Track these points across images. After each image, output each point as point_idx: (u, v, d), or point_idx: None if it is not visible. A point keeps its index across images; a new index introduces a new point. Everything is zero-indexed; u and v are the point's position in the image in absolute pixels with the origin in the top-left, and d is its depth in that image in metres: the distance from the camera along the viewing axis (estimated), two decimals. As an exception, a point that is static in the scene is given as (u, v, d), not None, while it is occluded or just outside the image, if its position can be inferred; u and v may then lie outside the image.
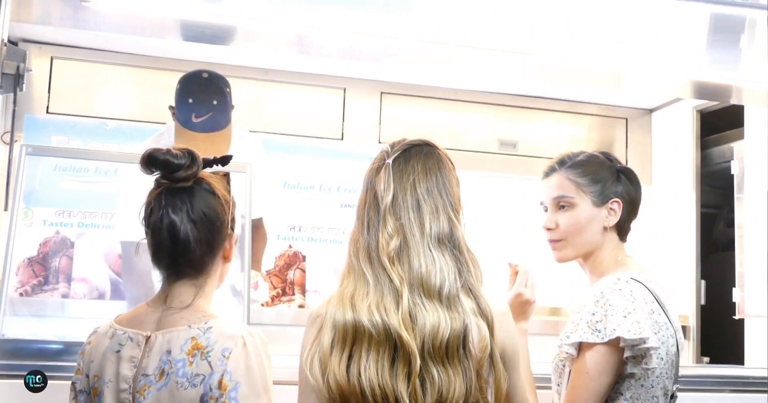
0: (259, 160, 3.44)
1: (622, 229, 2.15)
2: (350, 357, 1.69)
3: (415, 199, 1.79)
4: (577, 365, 1.98)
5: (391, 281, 1.73)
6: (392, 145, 1.86)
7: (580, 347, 1.98)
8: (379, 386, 1.67)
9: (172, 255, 1.78)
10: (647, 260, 2.29)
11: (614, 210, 2.12)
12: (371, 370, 1.68)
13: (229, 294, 2.96)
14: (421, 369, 1.68)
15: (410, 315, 1.70)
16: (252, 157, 3.37)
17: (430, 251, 1.76)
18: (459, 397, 1.69)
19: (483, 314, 1.75)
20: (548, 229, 2.16)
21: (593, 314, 1.97)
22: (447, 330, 1.70)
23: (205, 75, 3.17)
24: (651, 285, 2.03)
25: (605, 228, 2.12)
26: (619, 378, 1.98)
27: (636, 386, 1.98)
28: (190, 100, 3.08)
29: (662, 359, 1.98)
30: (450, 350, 1.70)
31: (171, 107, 3.22)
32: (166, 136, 3.28)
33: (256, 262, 3.42)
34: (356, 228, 1.82)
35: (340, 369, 1.68)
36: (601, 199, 2.12)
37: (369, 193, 1.82)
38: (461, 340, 1.71)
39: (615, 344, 1.94)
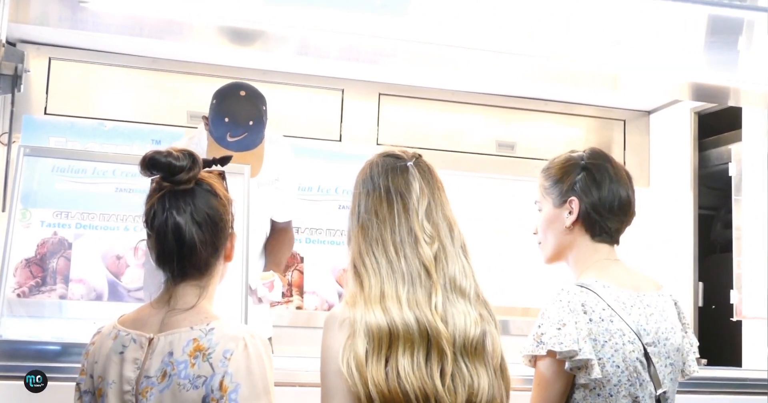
0: (288, 164, 3.40)
1: (590, 228, 2.10)
2: (387, 362, 1.71)
3: (442, 205, 1.87)
4: (534, 377, 2.01)
5: (429, 276, 1.77)
6: (404, 153, 1.91)
7: (534, 360, 1.99)
8: (419, 387, 1.70)
9: (177, 257, 1.77)
10: (646, 264, 2.27)
11: (572, 209, 2.10)
12: (408, 370, 1.70)
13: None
14: (452, 364, 1.73)
15: (444, 309, 1.76)
16: (281, 162, 3.35)
17: (459, 254, 1.83)
18: (485, 393, 1.75)
19: (493, 320, 1.83)
20: (534, 233, 2.22)
21: (539, 326, 1.98)
22: (477, 327, 1.77)
23: (242, 93, 3.12)
24: (605, 291, 2.00)
25: (567, 228, 2.11)
26: (574, 388, 1.98)
27: (592, 396, 1.97)
28: (226, 120, 3.04)
29: (618, 367, 1.96)
30: (477, 346, 1.77)
31: (204, 117, 3.18)
32: (197, 140, 3.24)
33: (277, 264, 3.40)
34: (374, 227, 1.82)
35: (378, 376, 1.69)
36: (560, 200, 2.12)
37: (393, 192, 1.84)
38: (484, 339, 1.78)
39: (554, 356, 1.94)
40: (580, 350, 1.91)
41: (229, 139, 3.04)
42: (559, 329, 1.93)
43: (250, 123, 3.06)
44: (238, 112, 3.06)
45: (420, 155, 1.92)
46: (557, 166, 2.17)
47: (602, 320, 1.97)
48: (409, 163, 1.88)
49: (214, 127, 3.08)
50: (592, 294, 1.99)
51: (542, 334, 1.95)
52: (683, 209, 4.35)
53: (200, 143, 3.19)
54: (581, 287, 2.00)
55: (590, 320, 1.96)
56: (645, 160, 4.65)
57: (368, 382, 1.68)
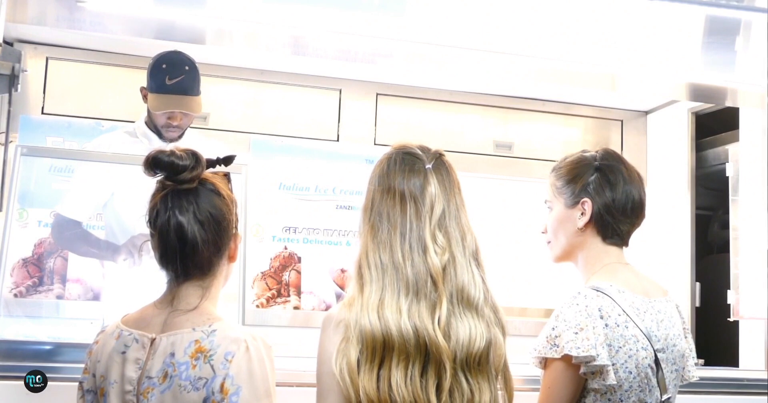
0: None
1: (603, 230, 2.09)
2: (380, 370, 1.69)
3: (457, 210, 1.83)
4: (543, 379, 2.00)
5: (435, 287, 1.74)
6: (424, 152, 1.87)
7: (545, 361, 1.98)
8: (410, 402, 1.68)
9: (180, 257, 1.77)
10: (643, 265, 2.26)
11: (585, 210, 2.09)
12: (400, 382, 1.68)
13: None
14: (450, 380, 1.70)
15: (447, 323, 1.72)
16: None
17: (470, 264, 1.80)
18: None
19: (500, 323, 1.80)
20: (543, 232, 2.20)
21: (553, 328, 1.96)
22: (483, 341, 1.74)
23: (175, 50, 3.31)
24: (620, 296, 2.00)
25: (579, 229, 2.10)
26: (585, 392, 1.98)
27: (603, 401, 1.97)
28: (164, 66, 3.23)
29: (630, 372, 1.96)
30: (482, 359, 1.74)
31: (143, 88, 3.31)
32: (138, 136, 3.36)
33: None
34: (384, 230, 1.79)
35: (370, 386, 1.68)
36: (573, 200, 2.10)
37: (408, 197, 1.80)
38: (489, 350, 1.75)
39: (569, 360, 1.93)
40: (597, 355, 1.90)
41: (168, 81, 3.21)
42: (577, 333, 1.91)
43: (186, 68, 3.24)
44: (173, 59, 3.25)
45: (441, 154, 1.88)
46: (569, 166, 2.14)
47: (617, 326, 1.96)
48: (428, 167, 1.83)
49: (152, 80, 3.24)
50: (608, 299, 1.98)
51: (557, 336, 1.94)
52: (680, 209, 4.35)
53: (138, 128, 3.36)
54: (597, 291, 1.99)
55: (606, 325, 1.95)
56: (642, 161, 4.65)
57: (359, 391, 1.67)
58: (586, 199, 2.08)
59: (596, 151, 2.17)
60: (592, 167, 2.11)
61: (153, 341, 1.75)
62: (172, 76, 3.21)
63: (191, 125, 3.43)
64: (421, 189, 1.81)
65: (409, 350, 1.69)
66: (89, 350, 1.85)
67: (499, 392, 1.81)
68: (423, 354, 1.70)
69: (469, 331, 1.74)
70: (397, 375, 1.68)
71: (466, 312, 1.75)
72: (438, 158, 1.87)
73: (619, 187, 2.09)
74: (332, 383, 1.71)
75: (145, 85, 3.29)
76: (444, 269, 1.76)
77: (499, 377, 1.79)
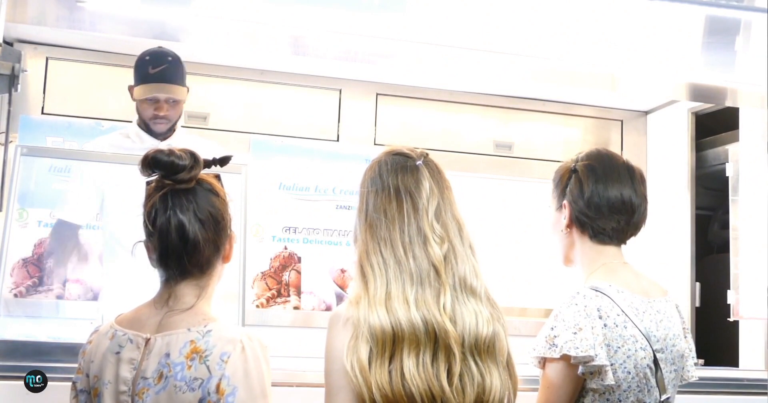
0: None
1: (585, 230, 2.10)
2: (391, 362, 1.70)
3: (450, 204, 1.86)
4: (541, 378, 2.01)
5: (438, 276, 1.76)
6: (412, 151, 1.90)
7: (544, 361, 1.99)
8: (424, 389, 1.69)
9: (180, 256, 1.77)
10: (643, 265, 2.27)
11: (565, 212, 2.11)
12: (413, 371, 1.69)
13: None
14: (460, 364, 1.72)
15: (452, 309, 1.74)
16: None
17: (468, 255, 1.82)
18: (497, 391, 1.74)
19: (500, 320, 1.81)
20: None
21: (551, 328, 1.97)
22: (489, 326, 1.76)
23: (159, 46, 3.38)
24: (619, 296, 2.00)
25: (566, 231, 2.12)
26: (583, 391, 1.98)
27: (601, 400, 1.97)
28: (147, 58, 3.29)
29: (629, 373, 1.97)
30: (490, 345, 1.76)
31: (130, 86, 3.35)
32: (131, 137, 3.38)
33: None
34: (382, 227, 1.81)
35: (382, 379, 1.68)
36: (558, 203, 2.15)
37: (402, 192, 1.83)
38: (494, 338, 1.77)
39: (567, 360, 1.94)
40: (596, 355, 1.91)
41: (151, 70, 3.28)
42: (575, 333, 1.92)
43: (169, 58, 3.30)
44: (156, 51, 3.32)
45: (427, 154, 1.91)
46: (558, 170, 2.18)
47: (616, 326, 1.97)
48: (418, 162, 1.86)
49: (137, 73, 3.31)
50: (607, 299, 1.98)
51: (555, 336, 1.95)
52: (680, 209, 4.35)
53: (132, 129, 3.38)
54: (596, 291, 2.00)
55: (605, 325, 1.96)
56: (642, 161, 4.64)
57: (372, 386, 1.67)
58: (565, 201, 2.12)
59: (592, 151, 2.18)
60: (571, 169, 2.14)
61: (147, 341, 1.75)
62: (155, 66, 3.27)
63: (190, 126, 3.43)
64: (416, 184, 1.84)
65: (420, 339, 1.70)
66: (82, 350, 1.85)
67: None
68: (433, 341, 1.71)
69: (475, 316, 1.75)
70: (409, 364, 1.69)
71: (470, 298, 1.77)
72: (426, 156, 1.90)
73: (587, 188, 2.09)
74: (343, 381, 1.71)
75: (133, 83, 3.33)
76: (445, 257, 1.78)
77: (505, 369, 1.80)
